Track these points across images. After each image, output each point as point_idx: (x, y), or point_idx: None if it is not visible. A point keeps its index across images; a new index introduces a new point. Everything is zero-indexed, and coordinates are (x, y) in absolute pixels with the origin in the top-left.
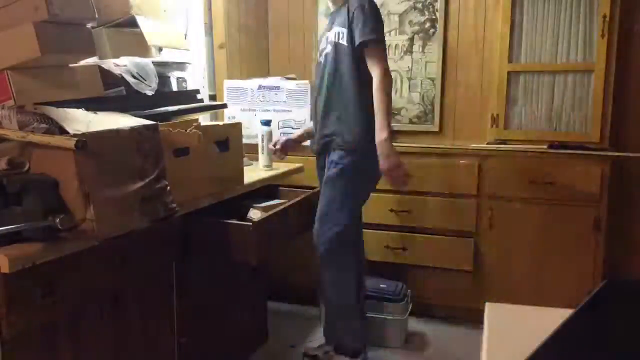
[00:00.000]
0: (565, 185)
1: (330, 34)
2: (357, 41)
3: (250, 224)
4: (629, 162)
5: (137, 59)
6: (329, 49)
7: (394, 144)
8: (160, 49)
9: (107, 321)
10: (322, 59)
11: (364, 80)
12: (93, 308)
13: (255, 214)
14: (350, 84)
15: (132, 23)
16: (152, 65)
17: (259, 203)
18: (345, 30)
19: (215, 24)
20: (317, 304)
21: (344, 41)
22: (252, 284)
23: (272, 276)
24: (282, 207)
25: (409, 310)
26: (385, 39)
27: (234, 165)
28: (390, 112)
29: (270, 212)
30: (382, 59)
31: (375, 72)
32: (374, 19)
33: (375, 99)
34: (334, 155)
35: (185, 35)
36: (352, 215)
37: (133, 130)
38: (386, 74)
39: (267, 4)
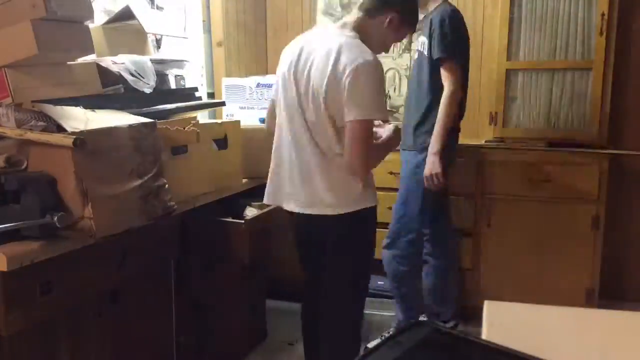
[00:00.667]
0: (563, 183)
1: (419, 41)
2: (435, 55)
3: (243, 222)
4: (627, 160)
5: (136, 57)
6: (416, 55)
7: None
8: (158, 46)
9: (105, 319)
10: (413, 62)
11: (439, 91)
12: (91, 306)
13: (250, 212)
14: (426, 92)
15: (129, 15)
16: (150, 63)
17: (258, 201)
18: (427, 41)
19: (213, 22)
20: None
21: (425, 51)
22: (251, 281)
23: (270, 274)
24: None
25: None
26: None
27: (233, 163)
28: (446, 128)
29: (264, 210)
30: (454, 76)
31: (445, 88)
32: (452, 35)
33: (439, 113)
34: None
35: (184, 28)
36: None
37: (131, 128)
38: (453, 93)
39: (265, 2)
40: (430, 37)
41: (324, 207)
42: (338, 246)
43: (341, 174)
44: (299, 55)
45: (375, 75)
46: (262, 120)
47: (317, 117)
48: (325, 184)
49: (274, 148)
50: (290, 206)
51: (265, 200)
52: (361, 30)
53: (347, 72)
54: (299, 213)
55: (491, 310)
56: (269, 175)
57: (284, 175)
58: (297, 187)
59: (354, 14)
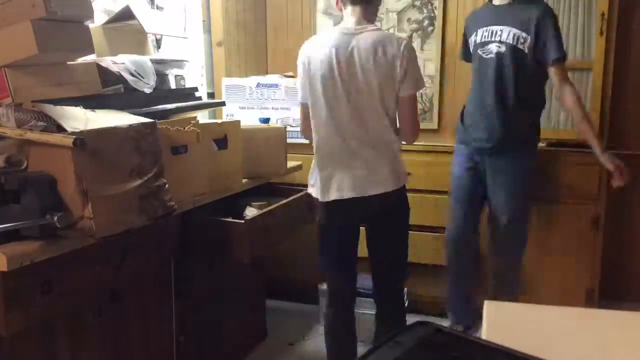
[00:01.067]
0: (563, 184)
1: (504, 33)
2: (552, 56)
3: (243, 221)
4: (627, 160)
5: (136, 57)
6: (502, 49)
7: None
8: (158, 46)
9: (105, 319)
10: (487, 54)
11: (535, 88)
12: (91, 306)
13: (250, 212)
14: (525, 88)
15: (129, 15)
16: (150, 63)
17: (258, 201)
18: (527, 36)
19: (213, 22)
20: (315, 301)
21: (524, 47)
22: (251, 282)
23: (270, 274)
24: (276, 204)
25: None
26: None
27: (233, 163)
28: (590, 121)
29: (263, 210)
30: (567, 75)
31: (565, 88)
32: (560, 33)
33: (577, 115)
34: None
35: (184, 28)
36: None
37: (131, 128)
38: (574, 87)
39: (265, 1)
40: (535, 34)
41: (384, 186)
42: (397, 216)
43: (394, 154)
44: (337, 54)
45: (415, 53)
46: (262, 120)
47: (371, 102)
48: (384, 166)
49: (319, 146)
50: (350, 193)
51: (334, 197)
52: (371, 19)
53: (401, 55)
54: (351, 198)
55: (491, 310)
56: (321, 175)
57: (338, 169)
58: (358, 173)
59: (354, 9)
